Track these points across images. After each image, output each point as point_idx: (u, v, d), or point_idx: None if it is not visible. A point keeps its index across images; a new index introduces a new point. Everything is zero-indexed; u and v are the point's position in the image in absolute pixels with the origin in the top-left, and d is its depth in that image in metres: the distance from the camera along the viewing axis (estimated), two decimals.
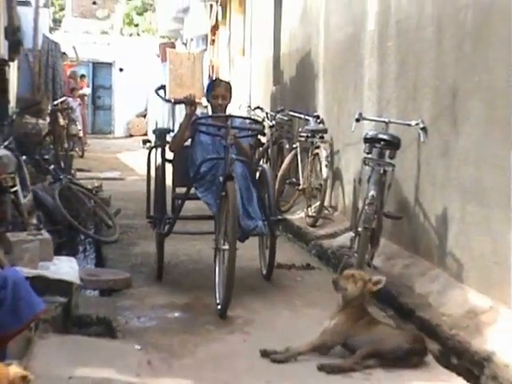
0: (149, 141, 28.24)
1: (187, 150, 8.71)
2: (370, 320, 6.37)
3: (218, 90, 8.64)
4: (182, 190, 8.56)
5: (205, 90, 9.23)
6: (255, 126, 9.12)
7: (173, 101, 10.08)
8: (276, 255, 8.55)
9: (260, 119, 11.61)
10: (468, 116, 7.38)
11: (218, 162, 8.09)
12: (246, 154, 8.47)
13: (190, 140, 8.72)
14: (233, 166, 7.79)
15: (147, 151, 8.99)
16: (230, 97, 8.76)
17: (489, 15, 6.96)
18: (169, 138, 9.06)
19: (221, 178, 7.80)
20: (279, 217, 9.16)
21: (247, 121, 9.48)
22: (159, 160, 8.87)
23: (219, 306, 7.27)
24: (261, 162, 9.73)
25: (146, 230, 9.37)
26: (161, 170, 8.82)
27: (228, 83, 8.98)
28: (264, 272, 8.78)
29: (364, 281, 6.46)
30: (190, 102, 8.67)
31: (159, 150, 8.94)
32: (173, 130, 9.29)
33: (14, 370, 3.68)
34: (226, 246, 7.36)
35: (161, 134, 9.31)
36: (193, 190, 8.39)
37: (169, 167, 8.77)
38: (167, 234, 8.54)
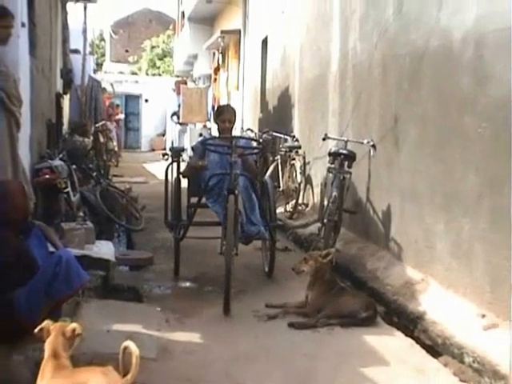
0: (166, 154, 28.23)
1: None
2: (338, 290, 6.38)
3: (226, 115, 7.76)
4: (195, 199, 7.76)
5: (212, 114, 9.04)
6: (256, 145, 8.35)
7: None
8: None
9: (259, 140, 11.12)
10: (406, 137, 7.41)
11: (225, 177, 7.20)
12: (252, 169, 7.71)
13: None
14: (237, 181, 6.90)
15: (165, 162, 8.89)
16: (235, 120, 7.93)
17: (421, 62, 6.99)
18: (182, 154, 8.76)
19: (225, 192, 6.99)
20: (279, 222, 8.47)
21: (250, 141, 8.70)
22: (175, 174, 8.09)
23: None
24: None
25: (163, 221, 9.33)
26: (176, 183, 7.92)
27: (234, 109, 8.07)
28: (266, 269, 7.95)
29: (314, 258, 6.51)
30: (196, 167, 7.67)
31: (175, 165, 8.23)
32: (186, 149, 8.79)
33: (69, 324, 3.71)
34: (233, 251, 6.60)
35: (176, 152, 8.59)
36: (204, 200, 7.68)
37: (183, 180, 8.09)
38: (181, 238, 7.76)
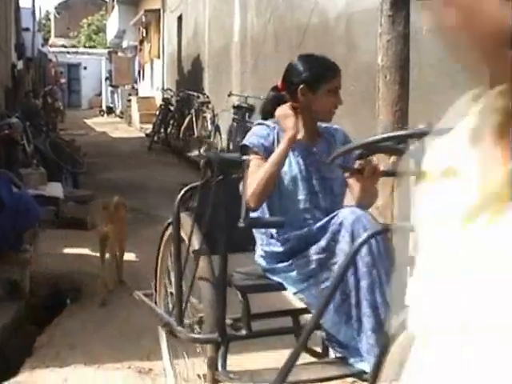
0: (102, 110, 27.75)
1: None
2: None
3: (336, 80, 2.74)
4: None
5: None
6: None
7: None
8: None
9: None
10: None
11: (329, 226, 2.48)
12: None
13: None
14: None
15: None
16: None
17: (304, 34, 6.98)
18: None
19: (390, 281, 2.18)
20: None
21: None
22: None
23: None
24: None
25: (101, 165, 9.07)
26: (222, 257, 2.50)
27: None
28: None
29: None
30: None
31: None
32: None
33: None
34: None
35: (226, 164, 2.58)
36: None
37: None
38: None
